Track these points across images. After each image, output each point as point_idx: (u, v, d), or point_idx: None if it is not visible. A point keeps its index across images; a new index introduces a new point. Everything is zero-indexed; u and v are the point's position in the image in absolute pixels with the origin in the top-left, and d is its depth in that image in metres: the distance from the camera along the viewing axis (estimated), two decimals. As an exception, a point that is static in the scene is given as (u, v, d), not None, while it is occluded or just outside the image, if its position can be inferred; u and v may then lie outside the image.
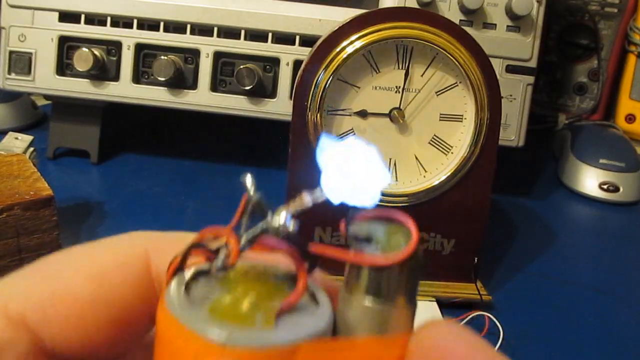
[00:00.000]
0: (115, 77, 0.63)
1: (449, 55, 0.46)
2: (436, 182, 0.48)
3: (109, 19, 0.62)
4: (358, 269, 0.16)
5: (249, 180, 0.17)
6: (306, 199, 0.16)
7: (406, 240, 0.16)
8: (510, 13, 0.60)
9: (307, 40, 0.61)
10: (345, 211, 0.17)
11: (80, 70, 0.61)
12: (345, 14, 0.54)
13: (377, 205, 0.17)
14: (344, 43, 0.46)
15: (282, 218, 0.16)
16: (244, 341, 0.15)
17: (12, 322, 0.17)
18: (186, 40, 0.62)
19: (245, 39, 0.62)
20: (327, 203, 0.17)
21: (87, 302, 0.18)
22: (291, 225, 0.16)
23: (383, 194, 0.48)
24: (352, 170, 0.16)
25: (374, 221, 0.17)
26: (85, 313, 0.18)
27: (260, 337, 0.15)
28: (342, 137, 0.48)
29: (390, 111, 0.48)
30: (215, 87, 0.63)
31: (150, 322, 0.19)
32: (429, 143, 0.49)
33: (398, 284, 0.16)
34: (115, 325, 0.18)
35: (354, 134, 0.48)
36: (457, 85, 0.48)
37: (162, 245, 0.19)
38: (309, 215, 0.17)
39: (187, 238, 0.19)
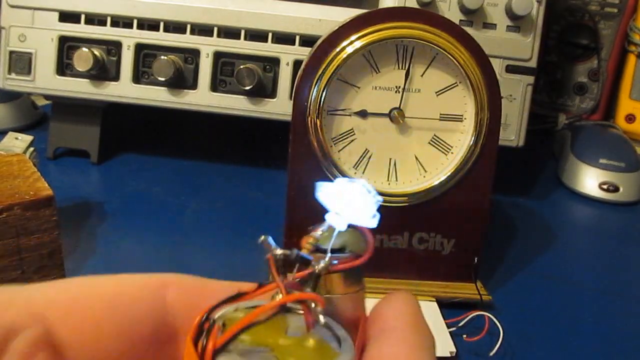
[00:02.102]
0: (115, 77, 0.63)
1: (449, 55, 0.46)
2: (436, 182, 0.48)
3: (109, 19, 0.62)
4: (330, 276, 0.20)
5: (269, 240, 0.20)
6: (321, 233, 0.20)
7: (364, 242, 0.21)
8: (510, 13, 0.60)
9: (307, 40, 0.61)
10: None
11: (80, 70, 0.61)
12: (345, 14, 0.54)
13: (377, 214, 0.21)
14: (344, 43, 0.46)
15: (327, 260, 0.20)
16: None
17: (31, 313, 0.19)
18: (186, 40, 0.62)
19: (245, 39, 0.62)
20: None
21: (102, 313, 0.20)
22: (329, 260, 0.20)
23: (384, 194, 0.48)
24: (349, 201, 0.21)
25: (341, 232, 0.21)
26: (99, 322, 0.20)
27: None
28: (342, 136, 0.48)
29: (390, 111, 0.48)
30: (215, 87, 0.63)
31: (156, 342, 0.20)
32: (429, 143, 0.49)
33: (360, 275, 0.21)
34: (125, 339, 0.20)
35: (354, 133, 0.48)
36: (457, 85, 0.48)
37: (179, 280, 0.21)
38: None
39: (208, 285, 0.21)
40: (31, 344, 0.19)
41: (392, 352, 0.18)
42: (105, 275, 0.21)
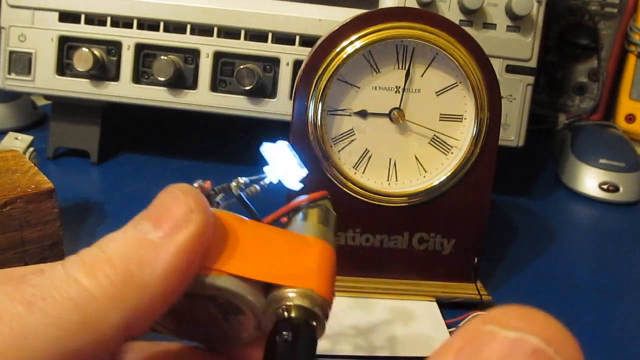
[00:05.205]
0: (115, 77, 0.63)
1: (449, 55, 0.46)
2: (436, 182, 0.48)
3: (109, 19, 0.62)
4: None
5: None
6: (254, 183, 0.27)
7: None
8: (510, 13, 0.60)
9: (307, 40, 0.61)
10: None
11: (80, 70, 0.61)
12: (345, 14, 0.54)
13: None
14: (344, 43, 0.46)
15: (233, 187, 0.27)
16: None
17: None
18: (186, 40, 0.62)
19: (245, 39, 0.62)
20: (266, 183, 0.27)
21: None
22: (237, 191, 0.26)
23: (384, 194, 0.48)
24: (282, 163, 0.27)
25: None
26: None
27: None
28: (342, 136, 0.48)
29: (390, 111, 0.48)
30: (215, 87, 0.63)
31: None
32: (429, 143, 0.49)
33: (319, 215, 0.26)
34: None
35: (354, 133, 0.48)
36: (457, 85, 0.48)
37: None
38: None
39: None
40: None
41: None
42: None
